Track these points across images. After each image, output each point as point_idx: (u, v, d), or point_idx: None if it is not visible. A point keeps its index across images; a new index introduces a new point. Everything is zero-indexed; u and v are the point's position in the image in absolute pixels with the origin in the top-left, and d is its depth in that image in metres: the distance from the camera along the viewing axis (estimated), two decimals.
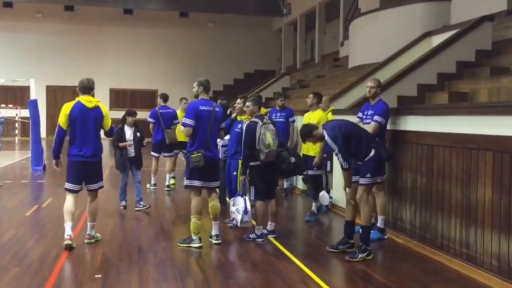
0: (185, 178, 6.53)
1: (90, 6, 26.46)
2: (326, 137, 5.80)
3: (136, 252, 6.11)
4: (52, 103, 27.70)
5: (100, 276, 5.20)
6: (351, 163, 5.82)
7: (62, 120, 6.17)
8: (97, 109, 6.29)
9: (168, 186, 10.65)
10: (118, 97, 27.32)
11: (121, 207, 8.56)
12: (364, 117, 6.67)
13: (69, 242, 6.10)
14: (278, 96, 10.29)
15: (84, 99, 6.25)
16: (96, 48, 28.07)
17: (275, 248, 6.35)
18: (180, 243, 6.36)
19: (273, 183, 6.99)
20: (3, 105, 22.84)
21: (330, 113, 9.10)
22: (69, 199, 6.35)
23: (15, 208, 8.71)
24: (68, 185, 6.36)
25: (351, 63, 16.12)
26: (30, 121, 14.04)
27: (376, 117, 6.39)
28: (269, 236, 6.73)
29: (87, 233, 6.53)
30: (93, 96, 6.43)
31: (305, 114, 8.28)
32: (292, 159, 6.58)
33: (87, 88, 6.34)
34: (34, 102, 13.84)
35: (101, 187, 6.59)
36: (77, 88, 6.37)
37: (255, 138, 6.45)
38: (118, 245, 6.43)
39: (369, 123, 6.45)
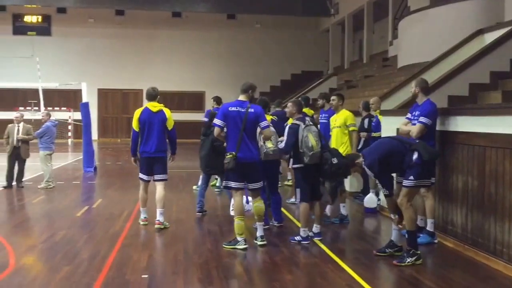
0: (223, 179, 6.57)
1: (140, 10, 27.07)
2: (364, 164, 5.82)
3: (182, 253, 6.16)
4: (103, 106, 28.51)
5: (146, 276, 5.26)
6: (392, 190, 5.82)
7: (134, 124, 7.31)
8: (161, 112, 7.31)
9: (214, 186, 10.75)
10: (166, 99, 27.74)
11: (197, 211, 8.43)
12: (412, 118, 6.49)
13: (145, 223, 7.42)
14: (324, 97, 10.15)
15: (150, 105, 7.31)
16: (145, 51, 28.68)
17: (321, 251, 6.26)
18: (225, 245, 6.37)
19: (318, 185, 6.89)
20: (56, 108, 23.66)
21: (378, 112, 8.93)
22: (142, 188, 7.49)
23: (67, 209, 8.97)
24: (140, 175, 7.48)
25: (400, 63, 15.79)
26: (82, 124, 14.47)
27: (421, 118, 6.20)
28: (315, 238, 6.64)
29: (157, 219, 7.30)
30: (158, 101, 7.39)
31: (331, 118, 8.11)
32: (334, 161, 6.48)
33: (152, 95, 7.39)
34: (86, 105, 14.25)
35: (165, 179, 7.49)
36: (145, 96, 7.53)
37: (297, 140, 6.38)
38: (164, 246, 6.52)
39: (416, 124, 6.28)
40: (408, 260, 5.60)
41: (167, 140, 7.48)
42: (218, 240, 6.71)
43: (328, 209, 7.75)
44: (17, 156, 10.71)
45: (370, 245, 6.64)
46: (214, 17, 28.37)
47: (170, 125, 7.39)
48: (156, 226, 7.24)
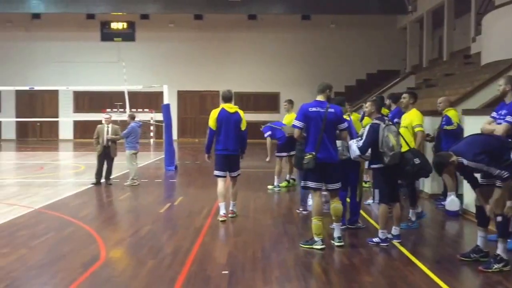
0: (302, 179, 6.63)
1: (217, 14, 27.72)
2: (466, 162, 5.40)
3: (260, 251, 6.28)
4: (182, 107, 29.47)
5: (227, 272, 5.42)
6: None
7: (211, 123, 7.74)
8: (236, 113, 7.81)
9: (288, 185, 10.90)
10: (242, 100, 28.27)
11: (300, 211, 8.44)
12: (497, 117, 6.20)
13: (224, 219, 7.77)
14: (391, 97, 9.91)
15: (227, 106, 7.77)
16: (222, 54, 29.32)
17: (400, 254, 6.15)
18: (302, 244, 6.41)
19: (397, 186, 6.77)
20: (140, 110, 24.72)
21: (453, 111, 8.60)
22: (220, 184, 7.90)
23: (151, 205, 9.41)
24: (216, 172, 7.94)
25: (484, 60, 15.11)
26: (164, 124, 15.05)
27: (508, 117, 5.90)
28: (394, 240, 6.53)
29: (230, 209, 8.04)
30: (234, 103, 7.94)
31: (402, 116, 7.89)
32: (417, 161, 6.34)
33: (228, 97, 7.88)
34: (167, 107, 14.82)
35: (239, 174, 8.11)
36: (220, 97, 7.99)
37: (377, 140, 6.31)
38: (243, 243, 6.67)
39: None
40: (495, 266, 5.37)
41: None
42: (295, 239, 6.76)
43: (411, 214, 7.57)
44: (107, 155, 11.32)
45: (452, 249, 6.44)
46: (288, 19, 28.49)
47: (243, 125, 7.86)
48: (230, 215, 7.98)
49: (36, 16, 28.16)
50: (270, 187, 10.93)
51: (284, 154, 10.69)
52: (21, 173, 14.17)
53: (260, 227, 7.68)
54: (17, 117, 28.52)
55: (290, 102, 11.07)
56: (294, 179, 11.05)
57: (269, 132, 10.62)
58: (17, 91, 27.93)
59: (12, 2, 24.57)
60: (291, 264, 5.79)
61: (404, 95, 7.89)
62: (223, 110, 7.75)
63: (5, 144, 26.69)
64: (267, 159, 11.09)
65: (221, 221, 7.73)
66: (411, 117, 7.60)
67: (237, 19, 28.59)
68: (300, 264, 5.78)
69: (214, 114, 7.76)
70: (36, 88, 22.00)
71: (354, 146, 6.58)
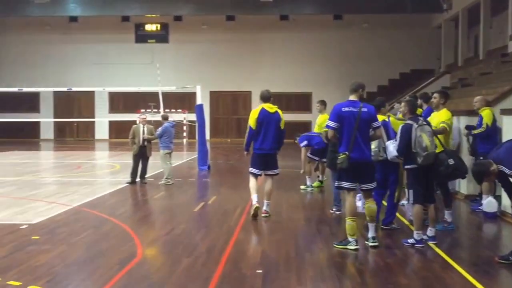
0: (335, 179, 6.61)
1: (249, 15, 27.84)
2: (509, 171, 5.30)
3: (294, 251, 6.30)
4: (214, 107, 29.69)
5: (261, 271, 5.45)
6: None
7: (252, 122, 7.89)
8: (276, 113, 7.96)
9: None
10: (274, 100, 28.22)
11: (333, 211, 8.43)
12: None
13: (257, 205, 7.90)
14: (422, 96, 9.75)
15: (267, 106, 7.91)
16: (254, 54, 29.42)
17: (436, 255, 6.08)
18: (336, 245, 6.40)
19: (432, 187, 6.68)
20: (173, 110, 25.01)
21: (488, 110, 8.43)
22: (252, 180, 8.10)
23: (185, 204, 9.55)
24: (251, 170, 8.09)
25: None
26: (197, 124, 15.21)
27: None
28: (429, 242, 6.45)
29: (264, 208, 7.99)
30: (272, 103, 7.99)
31: (431, 115, 7.76)
32: (451, 161, 6.24)
33: (267, 97, 8.01)
34: (201, 107, 14.97)
35: (277, 173, 8.18)
36: (260, 98, 8.09)
37: (410, 140, 6.25)
38: (276, 243, 6.70)
39: None
40: None
41: None
42: (329, 239, 6.76)
43: (447, 215, 7.46)
44: (142, 155, 11.51)
45: (490, 251, 6.32)
46: (320, 19, 28.36)
47: (282, 125, 8.03)
48: (263, 215, 7.98)
49: (74, 19, 28.81)
50: (302, 187, 10.94)
51: (317, 158, 10.67)
52: (59, 172, 14.55)
53: (293, 227, 7.70)
54: (55, 117, 29.29)
55: (323, 103, 10.97)
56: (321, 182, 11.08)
57: (305, 142, 10.44)
58: (55, 92, 28.67)
59: (50, 6, 25.21)
60: (325, 264, 5.79)
61: (435, 94, 7.78)
62: (263, 110, 7.90)
63: (44, 144, 27.46)
64: (302, 171, 10.99)
65: (254, 209, 7.94)
66: (440, 116, 7.47)
67: (269, 19, 28.63)
68: (334, 265, 5.78)
69: (254, 113, 7.92)
70: (74, 89, 22.59)
71: (391, 147, 6.53)
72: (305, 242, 6.84)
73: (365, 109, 6.33)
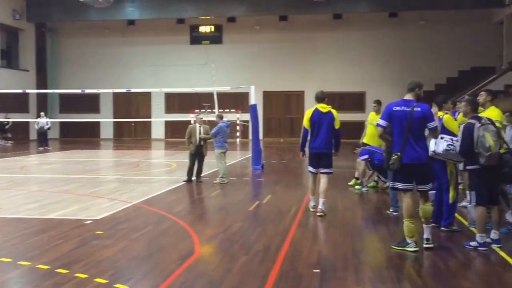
0: (391, 180, 6.51)
1: (302, 15, 27.77)
2: None
3: (351, 251, 6.24)
4: (267, 107, 29.80)
5: (318, 271, 5.44)
6: None
7: (305, 123, 8.18)
8: (329, 113, 8.12)
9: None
10: (327, 100, 28.14)
11: (390, 212, 8.30)
12: None
13: (314, 210, 8.21)
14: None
15: (320, 106, 8.12)
16: (307, 54, 29.31)
17: (501, 259, 5.87)
18: (394, 246, 6.30)
19: (496, 189, 6.45)
20: (227, 110, 25.31)
21: None
22: (310, 179, 8.45)
23: (240, 203, 9.66)
24: (309, 168, 8.41)
25: None
26: (251, 124, 15.33)
27: None
28: (493, 245, 6.24)
29: (319, 207, 8.12)
30: (326, 103, 8.18)
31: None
32: None
33: (321, 98, 8.22)
34: (255, 107, 15.08)
35: (330, 173, 8.35)
36: (315, 98, 8.27)
37: (472, 140, 6.06)
38: (332, 243, 6.67)
39: None
40: None
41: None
42: (386, 241, 6.67)
43: (509, 215, 7.19)
44: (199, 154, 11.74)
45: None
46: (375, 16, 27.95)
47: (337, 124, 8.16)
48: (318, 214, 8.10)
49: (131, 22, 29.72)
50: (357, 187, 10.84)
51: (372, 170, 10.64)
52: (119, 170, 15.05)
53: (350, 227, 7.64)
54: (114, 117, 30.30)
55: (379, 102, 10.88)
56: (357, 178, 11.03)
57: (365, 156, 10.29)
58: (114, 93, 29.65)
59: (109, 10, 26.09)
60: (384, 265, 5.72)
61: (482, 92, 7.51)
62: (316, 110, 8.14)
63: (104, 143, 28.44)
64: (360, 181, 10.89)
65: (312, 211, 8.26)
66: (488, 114, 7.17)
67: (322, 18, 28.47)
68: (392, 266, 5.70)
69: (308, 114, 8.20)
70: (133, 90, 23.32)
71: (433, 142, 6.39)
72: (362, 242, 6.77)
73: (419, 109, 6.16)
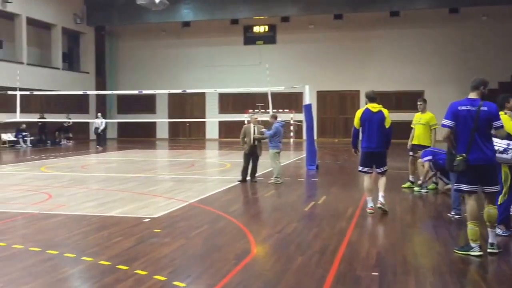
0: (455, 182, 6.28)
1: (358, 13, 27.37)
2: None
3: (410, 254, 6.07)
4: (321, 107, 29.57)
5: (377, 274, 5.31)
6: None
7: (356, 122, 8.21)
8: (380, 112, 8.19)
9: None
10: (383, 99, 27.44)
11: (451, 215, 7.99)
12: None
13: (372, 211, 8.18)
14: None
15: (371, 106, 8.18)
16: (362, 52, 28.87)
17: None
18: (457, 250, 6.06)
19: None
20: (280, 110, 25.30)
21: None
22: (365, 179, 8.39)
23: (295, 203, 9.59)
24: (360, 168, 8.39)
25: None
26: (305, 124, 15.23)
27: None
28: None
29: (379, 200, 8.24)
30: (377, 103, 8.23)
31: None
32: None
33: (372, 97, 8.28)
34: (309, 107, 14.97)
35: (386, 170, 8.44)
36: (365, 98, 8.35)
37: None
38: (391, 245, 6.50)
39: None
40: None
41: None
42: (448, 244, 6.43)
43: None
44: (253, 154, 11.77)
45: None
46: (434, 13, 27.17)
47: (387, 123, 8.23)
48: (378, 205, 8.23)
49: (186, 24, 30.25)
50: (416, 188, 10.54)
51: (434, 171, 10.34)
52: (175, 170, 15.32)
53: (409, 230, 7.43)
54: (169, 118, 30.93)
55: (425, 101, 10.70)
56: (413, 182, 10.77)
57: (429, 157, 10.06)
58: (169, 94, 30.28)
59: (165, 13, 26.65)
60: (446, 270, 5.50)
61: None
62: (367, 109, 8.21)
63: (160, 143, 29.08)
64: (420, 182, 10.59)
65: (369, 212, 8.18)
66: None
67: (378, 16, 27.96)
68: (455, 271, 5.47)
69: (358, 113, 8.27)
70: (188, 91, 23.74)
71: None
72: (423, 246, 6.56)
73: (485, 108, 5.90)
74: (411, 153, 10.82)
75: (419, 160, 10.43)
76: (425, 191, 10.38)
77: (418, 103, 10.72)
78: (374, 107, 8.19)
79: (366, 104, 8.30)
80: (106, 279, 5.04)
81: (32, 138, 25.67)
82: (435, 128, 10.43)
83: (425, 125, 10.45)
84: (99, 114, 25.60)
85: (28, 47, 26.66)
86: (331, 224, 7.61)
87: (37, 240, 6.52)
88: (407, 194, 10.31)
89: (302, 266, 5.56)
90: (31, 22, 26.91)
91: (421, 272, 5.38)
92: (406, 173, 11.27)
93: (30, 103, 24.54)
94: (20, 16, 26.12)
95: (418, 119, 10.55)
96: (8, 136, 25.13)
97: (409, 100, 27.67)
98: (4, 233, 6.92)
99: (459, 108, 5.98)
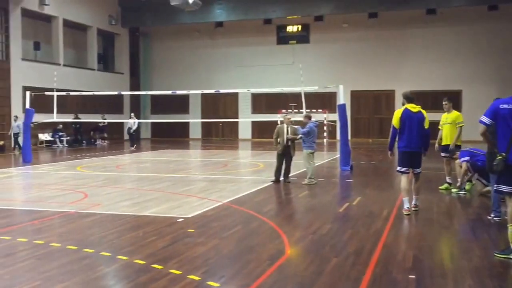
0: (494, 183, 6.11)
1: (393, 11, 26.97)
2: None
3: (448, 257, 5.95)
4: (355, 107, 29.26)
5: (413, 277, 5.19)
6: None
7: (395, 122, 8.12)
8: (419, 113, 8.15)
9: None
10: (418, 99, 26.97)
11: (491, 217, 7.79)
12: None
13: (408, 213, 8.08)
14: None
15: (410, 106, 8.13)
16: (397, 51, 28.43)
17: None
18: (497, 254, 5.86)
19: None
20: (313, 110, 25.14)
21: None
22: (403, 179, 8.29)
23: (329, 204, 9.50)
24: (399, 168, 8.36)
25: None
26: (339, 124, 15.07)
27: None
28: None
29: (413, 203, 8.31)
30: (415, 103, 8.19)
31: None
32: None
33: (410, 98, 8.25)
34: (343, 107, 14.80)
35: (420, 172, 8.35)
36: (403, 98, 8.33)
37: None
38: (429, 247, 6.36)
39: None
40: None
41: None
42: (488, 248, 6.24)
43: None
44: (286, 154, 11.70)
45: None
46: (472, 10, 26.53)
47: (426, 124, 8.19)
48: (412, 209, 8.24)
49: (219, 24, 30.38)
50: (454, 190, 10.28)
51: (472, 173, 10.11)
52: (208, 170, 15.40)
53: (446, 232, 7.27)
54: (202, 118, 31.15)
55: (451, 100, 10.52)
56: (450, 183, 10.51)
57: (467, 158, 9.86)
58: (202, 94, 30.49)
59: (199, 13, 26.85)
60: (485, 273, 5.33)
61: None
62: (406, 109, 8.13)
63: (193, 143, 29.31)
64: (458, 184, 10.32)
65: (406, 214, 8.05)
66: None
67: (414, 14, 27.48)
68: (496, 275, 5.30)
69: (398, 113, 8.16)
70: (221, 91, 23.86)
71: None
72: (461, 249, 6.37)
73: None
74: (443, 154, 10.56)
75: (457, 161, 10.21)
76: (464, 192, 10.12)
77: (444, 103, 10.56)
78: (414, 107, 8.15)
79: (404, 104, 8.25)
80: (141, 278, 5.08)
81: (68, 138, 26.26)
82: (460, 127, 10.22)
83: (452, 124, 10.28)
84: (132, 114, 25.99)
85: (64, 48, 27.29)
86: (366, 225, 7.49)
87: (73, 238, 6.63)
88: (445, 196, 10.08)
89: (337, 268, 5.48)
90: (67, 24, 27.54)
91: (460, 276, 5.23)
92: (444, 174, 11.01)
93: (66, 103, 25.09)
94: (57, 18, 26.74)
95: (445, 119, 10.44)
96: (45, 136, 25.77)
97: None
98: (42, 232, 7.07)
99: (501, 106, 5.81)
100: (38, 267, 5.42)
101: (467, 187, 10.26)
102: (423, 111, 8.21)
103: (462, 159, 9.95)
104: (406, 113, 8.10)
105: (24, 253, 5.97)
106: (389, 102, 28.68)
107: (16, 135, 21.82)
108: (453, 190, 10.28)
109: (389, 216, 8.06)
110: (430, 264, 5.65)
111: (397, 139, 8.25)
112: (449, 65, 27.50)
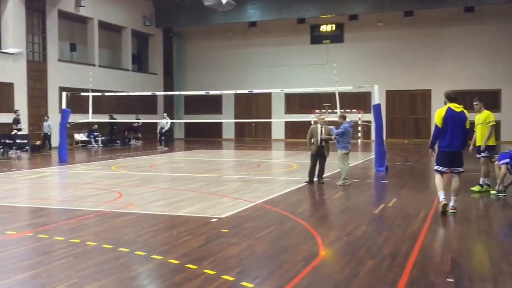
0: None
1: (429, 9, 26.47)
2: None
3: (488, 261, 5.77)
4: (391, 107, 28.81)
5: (452, 280, 5.06)
6: None
7: (438, 121, 8.10)
8: (462, 113, 8.10)
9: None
10: (457, 99, 26.48)
11: None
12: None
13: (445, 202, 8.00)
14: None
15: (453, 106, 8.09)
16: (433, 50, 27.89)
17: None
18: None
19: None
20: (348, 110, 24.88)
21: None
22: (437, 177, 8.30)
23: (364, 205, 9.36)
24: (437, 167, 8.31)
25: None
26: (374, 125, 14.85)
27: None
28: None
29: (451, 204, 8.11)
30: (458, 103, 8.12)
31: None
32: None
33: (452, 97, 8.20)
34: (378, 107, 14.57)
35: (463, 171, 8.29)
36: (445, 98, 8.26)
37: None
38: (467, 251, 6.19)
39: None
40: None
41: None
42: None
43: None
44: (320, 155, 11.59)
45: None
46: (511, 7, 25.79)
47: (468, 124, 8.18)
48: (450, 211, 8.06)
49: (253, 24, 30.41)
50: (493, 192, 9.98)
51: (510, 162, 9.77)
52: (241, 170, 15.41)
53: (486, 235, 7.06)
54: (235, 118, 31.22)
55: (481, 100, 10.29)
56: (488, 185, 10.22)
57: (506, 160, 9.60)
58: (235, 95, 30.57)
59: (232, 13, 26.94)
60: None
61: None
62: (449, 109, 8.08)
63: (226, 143, 29.41)
64: (497, 187, 10.01)
65: (442, 207, 8.00)
66: None
67: (451, 12, 26.89)
68: None
69: (441, 112, 8.12)
70: (254, 91, 23.86)
71: None
72: (501, 252, 6.17)
73: None
74: (481, 155, 10.23)
75: (496, 163, 9.91)
76: (504, 194, 9.81)
77: (474, 103, 10.30)
78: (457, 107, 8.09)
79: (446, 103, 8.15)
80: (175, 278, 5.09)
81: (103, 138, 26.72)
82: (491, 126, 9.92)
83: (483, 124, 10.00)
84: (165, 114, 26.24)
85: (99, 49, 27.79)
86: (402, 227, 7.34)
87: (109, 237, 6.71)
88: (483, 198, 9.80)
89: (373, 270, 5.38)
90: (102, 25, 28.04)
91: (500, 280, 5.06)
92: (479, 176, 10.68)
93: (101, 104, 25.54)
94: (93, 19, 27.26)
95: (477, 120, 10.17)
96: (80, 136, 26.29)
97: (485, 100, 26.38)
98: (78, 230, 7.18)
99: None
100: (75, 265, 5.50)
101: (475, 188, 10.12)
102: (465, 111, 8.13)
103: (502, 161, 9.65)
104: (449, 113, 8.04)
105: (61, 251, 6.07)
106: (425, 101, 28.14)
107: (47, 135, 22.34)
108: (492, 192, 9.98)
109: (426, 218, 7.89)
110: (468, 268, 5.50)
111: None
112: (487, 64, 26.81)
